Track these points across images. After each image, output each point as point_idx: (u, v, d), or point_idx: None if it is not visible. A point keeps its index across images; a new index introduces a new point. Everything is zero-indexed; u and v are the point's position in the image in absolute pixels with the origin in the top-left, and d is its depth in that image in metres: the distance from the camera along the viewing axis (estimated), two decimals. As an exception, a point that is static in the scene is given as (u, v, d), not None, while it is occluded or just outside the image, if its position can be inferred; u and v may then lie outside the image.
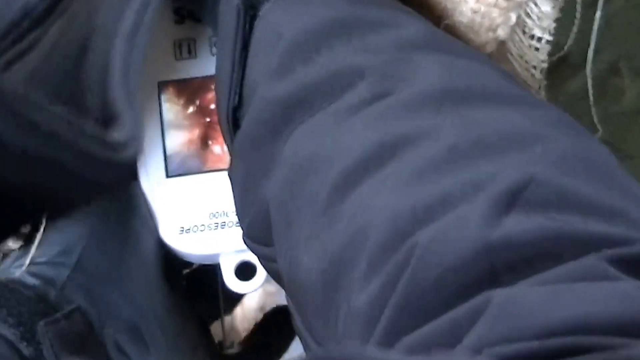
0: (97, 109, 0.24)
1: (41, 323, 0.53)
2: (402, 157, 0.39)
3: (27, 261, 0.56)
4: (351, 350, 0.26)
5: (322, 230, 0.41)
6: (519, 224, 0.35)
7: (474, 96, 0.41)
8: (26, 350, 0.53)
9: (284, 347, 0.71)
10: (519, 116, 0.40)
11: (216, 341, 0.70)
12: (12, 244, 0.57)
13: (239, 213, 0.49)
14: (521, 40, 0.59)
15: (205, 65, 0.60)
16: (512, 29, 0.58)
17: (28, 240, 0.58)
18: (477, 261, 0.35)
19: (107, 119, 0.24)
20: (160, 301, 0.60)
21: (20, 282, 0.56)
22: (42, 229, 0.56)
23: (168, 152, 0.59)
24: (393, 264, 0.37)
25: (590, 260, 0.34)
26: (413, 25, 0.45)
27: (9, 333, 0.53)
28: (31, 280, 0.56)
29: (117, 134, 0.24)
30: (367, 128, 0.41)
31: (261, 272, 0.59)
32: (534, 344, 0.30)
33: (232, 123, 0.48)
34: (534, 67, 0.60)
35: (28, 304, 0.54)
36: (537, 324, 0.31)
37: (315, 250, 0.41)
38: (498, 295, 0.33)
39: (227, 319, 0.73)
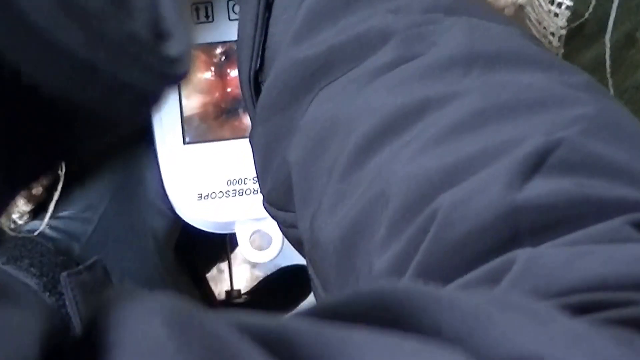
0: (148, 26, 0.24)
1: (64, 274, 0.54)
2: (426, 120, 0.40)
3: (48, 216, 0.57)
4: (408, 286, 0.27)
5: (343, 195, 0.42)
6: (544, 187, 0.35)
7: (501, 60, 0.41)
8: (49, 300, 0.55)
9: (294, 302, 0.72)
10: (547, 80, 0.41)
11: (224, 291, 0.71)
12: (24, 206, 0.58)
13: (259, 179, 0.50)
14: (541, 5, 0.59)
15: (223, 30, 0.61)
16: (532, -7, 0.58)
17: (40, 204, 0.59)
18: (500, 224, 0.35)
19: (159, 35, 0.24)
20: (168, 260, 0.62)
21: (39, 234, 0.57)
22: (59, 188, 0.57)
23: (185, 119, 0.60)
24: (415, 227, 0.38)
25: (613, 224, 0.34)
26: None
27: (32, 283, 0.55)
28: (50, 233, 0.58)
29: (171, 50, 0.24)
30: (390, 91, 0.42)
31: (277, 242, 0.60)
32: (557, 301, 0.31)
33: (254, 87, 0.49)
34: (552, 34, 0.60)
35: (48, 255, 0.56)
36: (560, 282, 0.32)
37: (336, 215, 0.42)
38: (522, 255, 0.34)
39: (224, 266, 0.74)
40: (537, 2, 0.59)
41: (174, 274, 0.63)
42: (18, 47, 0.22)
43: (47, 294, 0.55)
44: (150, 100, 0.25)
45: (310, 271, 0.47)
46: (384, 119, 0.41)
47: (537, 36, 0.59)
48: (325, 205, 0.43)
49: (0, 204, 0.25)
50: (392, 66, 0.42)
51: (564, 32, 0.59)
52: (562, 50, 0.60)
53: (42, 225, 0.58)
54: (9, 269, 0.56)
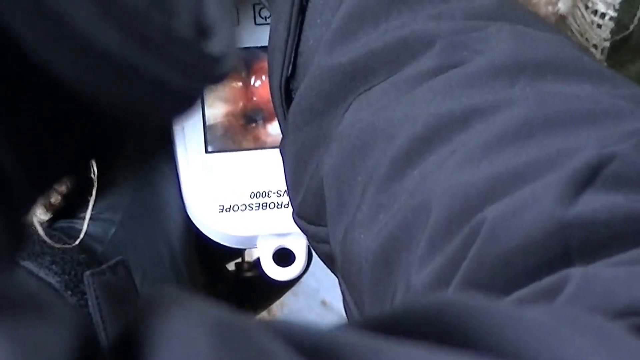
0: (191, 24, 0.24)
1: (87, 273, 0.54)
2: (472, 130, 0.40)
3: (86, 223, 0.57)
4: (468, 299, 0.27)
5: (381, 206, 0.42)
6: (597, 203, 0.35)
7: (549, 69, 0.41)
8: (71, 300, 0.55)
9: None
10: (598, 92, 0.41)
11: (233, 263, 0.70)
12: (43, 215, 0.58)
13: (290, 190, 0.50)
14: (583, 16, 0.59)
15: (248, 35, 0.60)
16: (574, 3, 0.58)
17: (58, 212, 0.59)
18: (550, 240, 0.35)
19: (202, 32, 0.24)
20: (190, 259, 0.62)
21: (61, 229, 0.57)
22: (94, 192, 0.57)
23: (208, 127, 0.60)
24: (458, 242, 0.38)
25: None
26: None
27: (54, 281, 0.55)
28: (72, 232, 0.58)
29: (213, 48, 0.24)
30: (433, 99, 0.42)
31: (300, 259, 0.60)
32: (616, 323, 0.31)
33: (286, 95, 0.48)
34: (595, 47, 0.60)
35: (71, 253, 0.56)
36: (618, 302, 0.32)
37: (373, 228, 0.42)
38: (576, 274, 0.33)
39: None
40: (579, 13, 0.59)
41: (195, 272, 0.63)
42: (54, 47, 0.22)
43: (69, 292, 0.55)
44: (190, 99, 0.25)
45: (342, 288, 0.47)
46: (427, 127, 0.41)
47: (579, 48, 0.59)
48: (361, 218, 0.43)
49: (36, 194, 0.25)
50: (435, 73, 0.42)
51: (607, 44, 0.59)
52: (605, 64, 0.60)
53: (82, 233, 0.58)
54: (29, 265, 0.56)
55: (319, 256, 0.51)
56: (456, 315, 0.26)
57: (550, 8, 0.58)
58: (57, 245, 0.56)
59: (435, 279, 0.38)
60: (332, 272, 0.48)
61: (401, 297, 0.40)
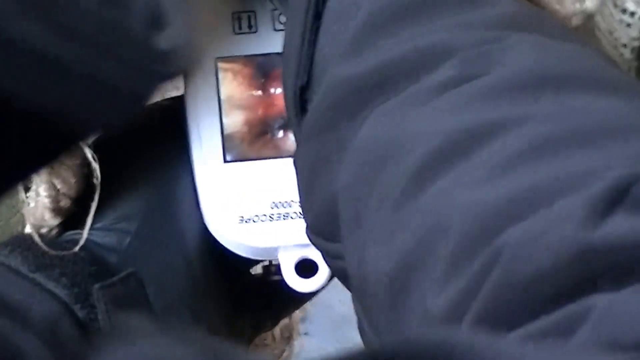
0: (141, 13, 0.23)
1: (96, 286, 0.54)
2: (491, 146, 0.38)
3: (87, 228, 0.57)
4: (465, 337, 0.26)
5: (397, 225, 0.40)
6: (625, 225, 0.34)
7: (575, 82, 0.40)
8: (80, 313, 0.54)
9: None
10: (624, 106, 0.39)
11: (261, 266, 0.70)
12: (52, 220, 0.57)
13: (303, 205, 0.49)
14: (611, 14, 0.57)
15: (267, 41, 0.60)
16: (602, 1, 0.57)
17: (69, 217, 0.58)
18: (575, 265, 0.34)
19: (152, 24, 0.23)
20: (207, 268, 0.61)
21: (72, 242, 0.56)
22: (96, 198, 0.56)
23: (226, 135, 0.59)
24: (476, 266, 0.36)
25: None
26: (507, 3, 0.44)
27: (63, 294, 0.54)
28: (85, 244, 0.57)
29: (162, 42, 0.23)
30: (451, 113, 0.40)
31: (323, 270, 0.59)
32: None
33: (300, 105, 0.47)
34: (624, 46, 0.58)
35: (81, 264, 0.55)
36: None
37: (389, 248, 0.40)
38: (601, 301, 0.32)
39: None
40: (607, 11, 0.58)
41: (215, 281, 0.62)
42: None
43: (79, 306, 0.54)
44: (139, 98, 0.24)
45: (357, 309, 0.45)
46: (445, 141, 0.40)
47: (608, 48, 0.58)
48: (376, 237, 0.41)
49: None
50: (454, 85, 0.41)
51: (637, 43, 0.58)
52: (635, 64, 0.59)
53: (82, 240, 0.57)
54: (38, 277, 0.55)
55: (334, 273, 0.50)
56: (453, 354, 0.25)
57: (577, 5, 0.56)
58: (63, 253, 0.56)
59: (453, 304, 0.37)
60: (347, 288, 0.47)
61: (418, 321, 0.39)
